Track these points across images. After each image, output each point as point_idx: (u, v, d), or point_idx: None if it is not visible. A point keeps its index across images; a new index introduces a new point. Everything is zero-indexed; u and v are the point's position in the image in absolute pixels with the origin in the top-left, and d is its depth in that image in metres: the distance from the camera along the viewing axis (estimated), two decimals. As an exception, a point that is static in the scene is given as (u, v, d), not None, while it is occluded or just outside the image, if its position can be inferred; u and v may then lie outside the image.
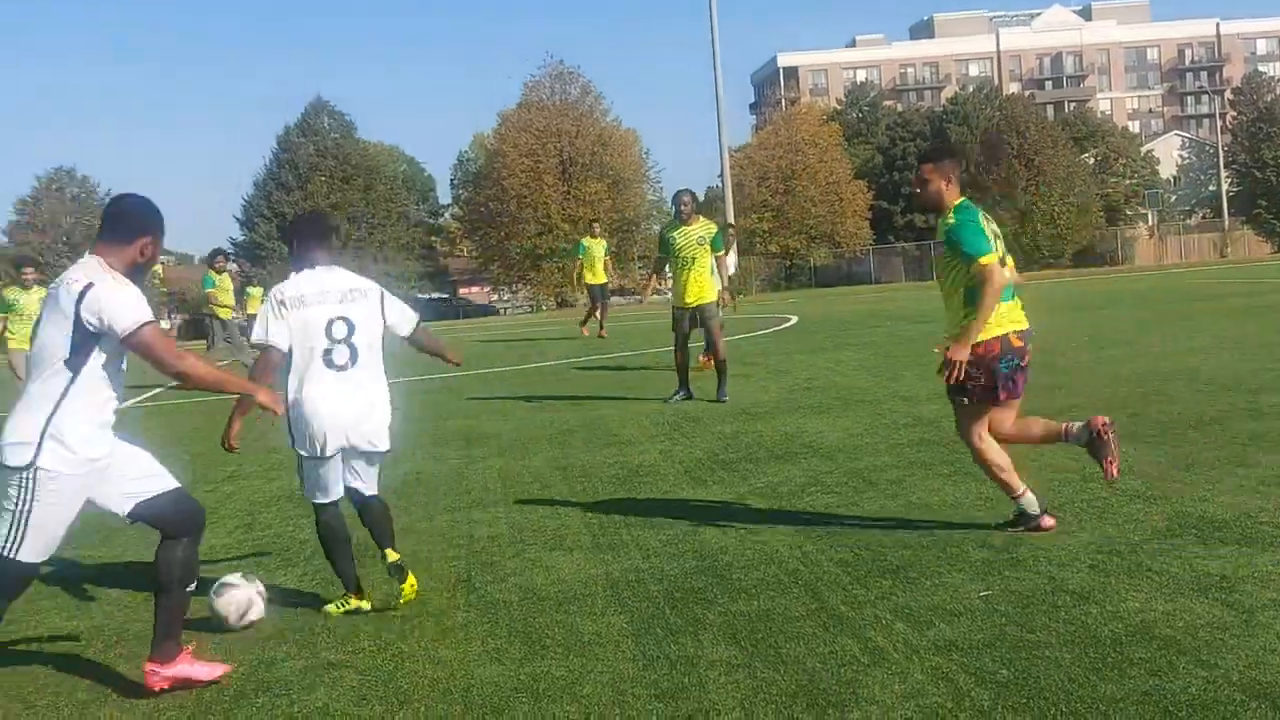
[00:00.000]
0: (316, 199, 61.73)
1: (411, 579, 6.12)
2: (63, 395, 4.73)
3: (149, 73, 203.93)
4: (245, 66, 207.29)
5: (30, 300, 14.88)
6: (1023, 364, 6.58)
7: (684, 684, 4.69)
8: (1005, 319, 6.54)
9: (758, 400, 13.10)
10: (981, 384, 6.53)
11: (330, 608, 6.15)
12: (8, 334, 14.86)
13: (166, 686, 4.94)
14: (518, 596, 6.13)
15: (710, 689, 4.62)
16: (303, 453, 6.13)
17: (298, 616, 6.06)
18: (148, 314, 4.77)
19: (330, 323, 6.06)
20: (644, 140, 79.41)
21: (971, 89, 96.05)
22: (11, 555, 4.70)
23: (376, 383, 6.24)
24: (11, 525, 4.68)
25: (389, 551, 6.18)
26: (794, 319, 29.46)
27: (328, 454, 6.09)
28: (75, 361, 4.77)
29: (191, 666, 5.03)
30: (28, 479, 4.67)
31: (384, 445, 6.32)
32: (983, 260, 6.41)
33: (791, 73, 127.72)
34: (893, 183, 79.01)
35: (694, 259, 13.37)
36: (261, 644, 5.62)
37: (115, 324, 4.73)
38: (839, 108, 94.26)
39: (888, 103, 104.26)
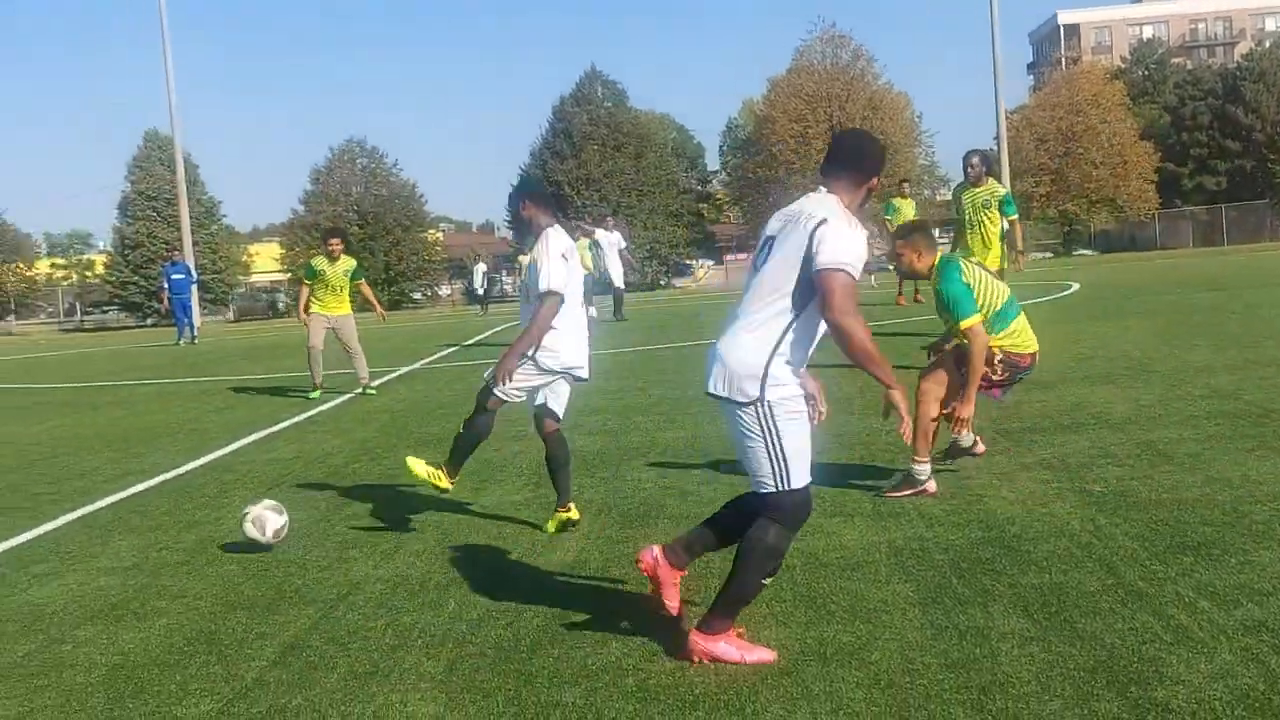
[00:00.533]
0: (589, 167, 62.92)
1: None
2: (785, 330, 4.67)
3: (432, 46, 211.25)
4: (525, 36, 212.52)
5: (335, 271, 15.43)
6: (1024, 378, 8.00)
7: (975, 655, 4.62)
8: (1029, 337, 7.83)
9: (1040, 368, 12.70)
10: (995, 378, 7.64)
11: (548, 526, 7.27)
12: (313, 300, 15.54)
13: (705, 660, 4.74)
14: (800, 561, 6.14)
15: (1003, 661, 4.54)
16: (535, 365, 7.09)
17: (587, 572, 6.23)
18: (857, 261, 4.62)
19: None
20: (916, 103, 77.82)
21: (1269, 44, 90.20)
22: (787, 488, 4.73)
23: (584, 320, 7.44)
24: (771, 460, 4.73)
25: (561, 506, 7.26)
26: (1075, 285, 28.42)
27: (555, 370, 7.13)
28: (800, 296, 4.66)
29: (732, 648, 4.79)
30: (762, 413, 4.70)
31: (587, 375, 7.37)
32: (963, 325, 7.33)
33: (1072, 30, 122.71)
34: (1180, 144, 75.17)
35: (981, 222, 13.15)
36: (554, 598, 5.80)
37: (821, 257, 4.58)
38: (1123, 66, 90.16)
39: (1176, 60, 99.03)
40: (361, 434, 11.96)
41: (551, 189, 61.90)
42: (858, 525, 6.78)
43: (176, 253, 42.69)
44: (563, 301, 7.02)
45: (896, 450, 8.84)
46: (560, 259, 7.05)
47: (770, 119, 68.32)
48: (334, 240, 15.67)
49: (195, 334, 35.20)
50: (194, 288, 37.64)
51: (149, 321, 56.59)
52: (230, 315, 64.06)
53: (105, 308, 71.66)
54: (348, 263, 15.71)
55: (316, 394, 15.41)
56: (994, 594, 5.35)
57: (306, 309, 15.65)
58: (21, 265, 64.50)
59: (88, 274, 78.76)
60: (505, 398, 7.15)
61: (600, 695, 4.48)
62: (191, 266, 40.23)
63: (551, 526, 7.24)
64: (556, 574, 6.25)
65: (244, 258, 68.97)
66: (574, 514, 7.24)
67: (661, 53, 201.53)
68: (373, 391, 15.53)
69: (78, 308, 77.34)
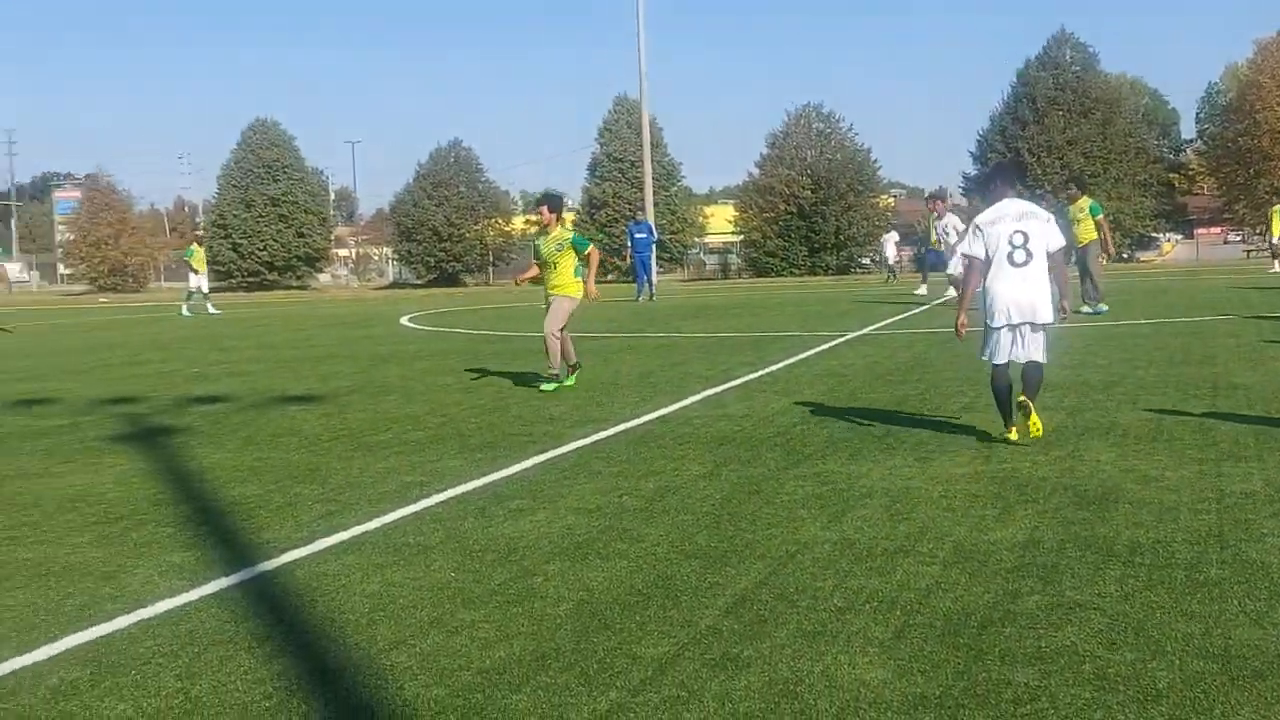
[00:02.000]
0: (1052, 134, 60.52)
1: (1035, 420, 8.83)
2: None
3: (893, 13, 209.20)
4: (988, 2, 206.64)
5: (546, 245, 13.61)
6: None
7: None
8: None
9: None
10: None
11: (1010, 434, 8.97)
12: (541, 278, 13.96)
13: None
14: (1278, 559, 5.72)
15: None
16: (990, 323, 9.04)
17: (1040, 553, 6.06)
18: None
19: (1011, 234, 8.95)
20: None
21: None
22: None
23: (1042, 276, 8.95)
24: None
25: (1022, 396, 8.88)
26: None
27: (1001, 325, 8.96)
28: None
29: None
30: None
31: (1046, 318, 8.95)
32: None
33: None
34: None
35: None
36: (1004, 576, 5.68)
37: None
38: None
39: None
40: (809, 395, 12.10)
41: (1010, 156, 60.10)
42: (1346, 527, 6.22)
43: (640, 212, 44.55)
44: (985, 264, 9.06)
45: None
46: (974, 230, 9.17)
47: (1256, 84, 63.31)
48: (540, 208, 13.81)
49: (654, 291, 36.65)
50: (654, 246, 39.18)
51: (609, 277, 59.45)
52: (684, 274, 66.25)
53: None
54: (561, 234, 13.67)
55: (551, 386, 13.32)
56: None
57: (526, 281, 14.39)
58: (500, 221, 69.28)
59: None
60: (990, 358, 9.11)
61: (1054, 679, 4.35)
62: (653, 226, 41.84)
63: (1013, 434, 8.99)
64: (1008, 550, 6.11)
65: (699, 219, 71.03)
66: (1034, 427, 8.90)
67: (1137, 14, 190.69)
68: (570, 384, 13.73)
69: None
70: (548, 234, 13.65)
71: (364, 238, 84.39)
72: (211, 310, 37.40)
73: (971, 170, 65.86)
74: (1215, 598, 5.21)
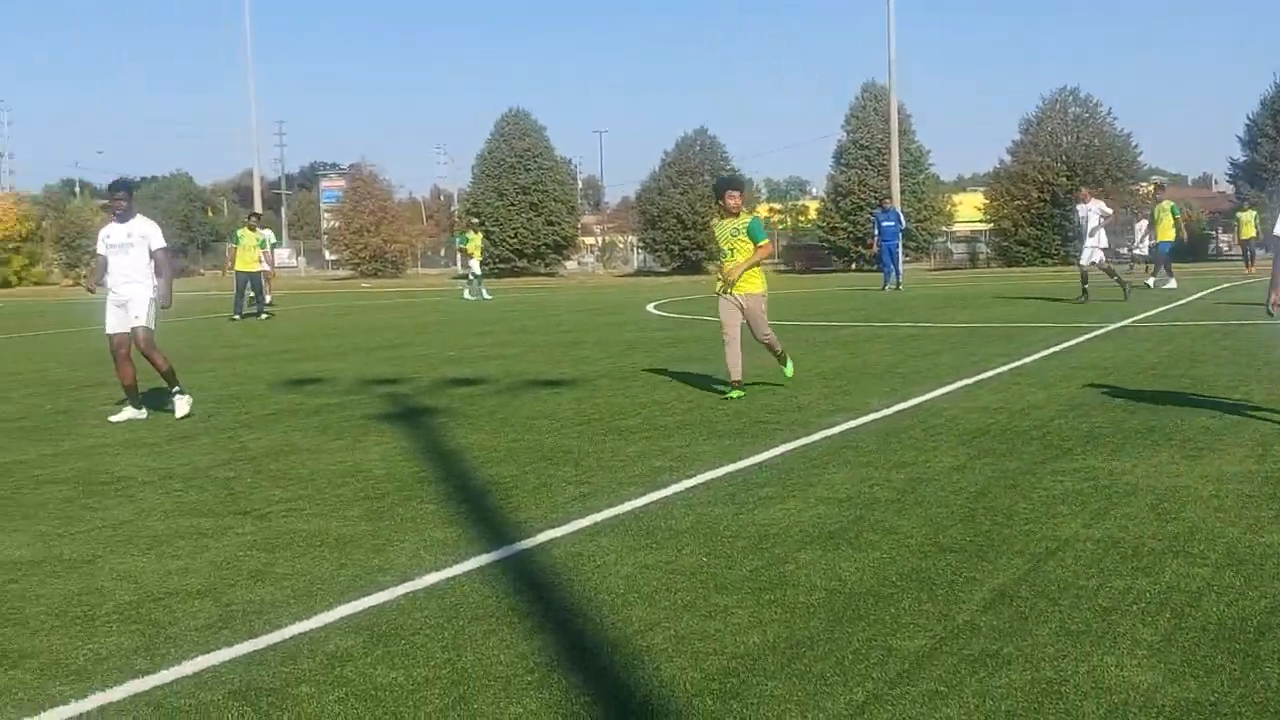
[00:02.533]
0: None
1: None
2: None
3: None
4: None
5: (722, 232, 12.35)
6: None
7: None
8: None
9: None
10: None
11: None
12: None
13: None
14: None
15: None
16: None
17: (1322, 558, 5.73)
18: None
19: None
20: None
21: None
22: None
23: None
24: None
25: None
26: None
27: None
28: None
29: None
30: None
31: None
32: None
33: None
34: None
35: None
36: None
37: None
38: None
39: None
40: (1067, 389, 11.73)
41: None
42: None
43: (888, 200, 43.94)
44: None
45: None
46: None
47: None
48: (731, 193, 12.21)
49: (900, 280, 36.12)
50: (901, 235, 38.58)
51: (852, 266, 58.84)
52: (930, 263, 65.02)
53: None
54: (740, 220, 12.21)
55: (737, 394, 11.94)
56: None
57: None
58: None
59: (801, 219, 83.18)
60: None
61: (1342, 692, 4.11)
62: (900, 214, 41.20)
63: None
64: (1254, 552, 5.80)
65: (947, 207, 69.59)
66: None
67: None
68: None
69: (789, 250, 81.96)
70: (732, 219, 12.17)
71: (609, 226, 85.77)
72: (486, 295, 38.45)
73: (1240, 156, 62.64)
74: None
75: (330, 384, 14.34)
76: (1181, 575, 5.55)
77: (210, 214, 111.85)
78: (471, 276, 39.05)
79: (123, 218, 11.76)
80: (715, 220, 12.56)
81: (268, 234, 32.65)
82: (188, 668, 4.76)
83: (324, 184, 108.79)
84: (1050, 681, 4.33)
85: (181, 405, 11.83)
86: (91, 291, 12.29)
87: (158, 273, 11.77)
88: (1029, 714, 4.05)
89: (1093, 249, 25.22)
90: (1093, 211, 25.15)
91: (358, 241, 73.83)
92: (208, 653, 4.92)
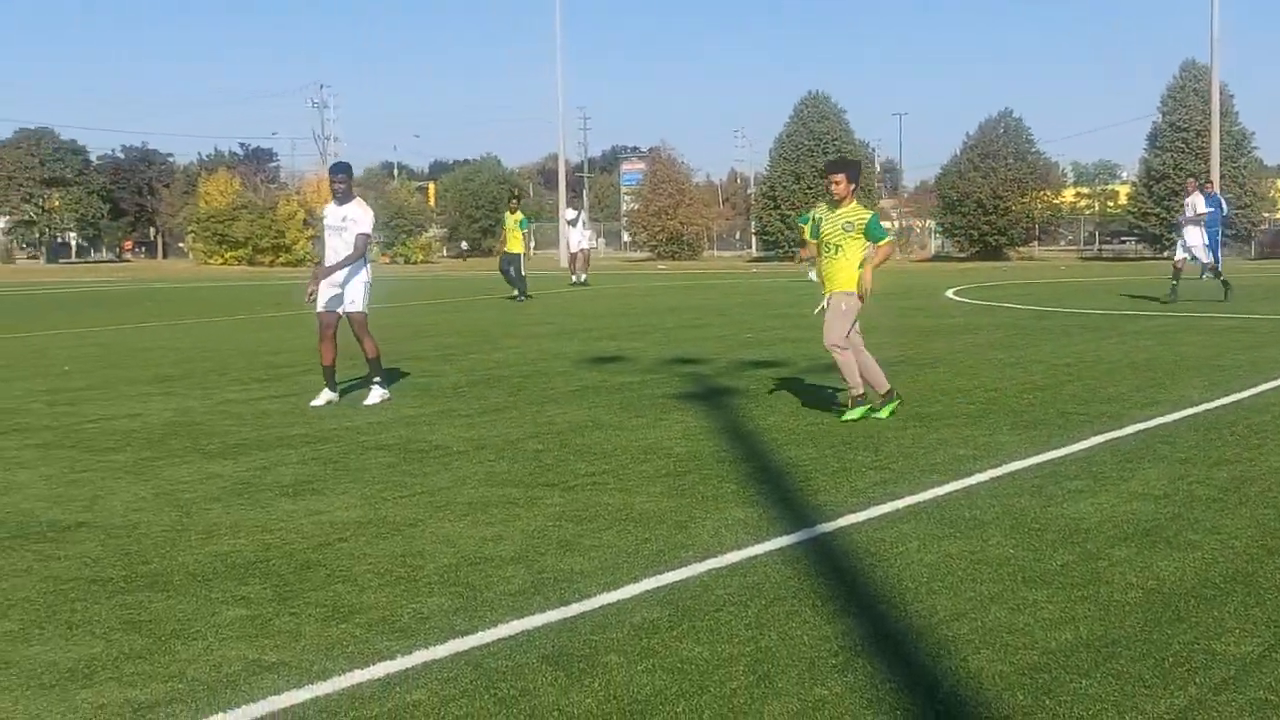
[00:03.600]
0: None
1: None
2: None
3: None
4: None
5: (829, 224, 10.64)
6: None
7: None
8: None
9: None
10: None
11: None
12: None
13: None
14: None
15: None
16: None
17: None
18: None
19: None
20: None
21: None
22: None
23: None
24: None
25: None
26: None
27: None
28: None
29: None
30: None
31: None
32: None
33: None
34: None
35: None
36: None
37: None
38: None
39: None
40: None
41: None
42: None
43: (1210, 184, 41.68)
44: None
45: None
46: None
47: None
48: (836, 175, 10.44)
49: (1220, 269, 34.19)
50: (1221, 221, 36.50)
51: (1164, 255, 56.11)
52: (1252, 252, 61.33)
53: (1124, 238, 72.22)
54: (856, 212, 10.33)
55: (856, 413, 10.06)
56: None
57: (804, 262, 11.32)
58: (1049, 194, 67.11)
59: (1109, 204, 79.85)
60: None
61: None
62: (1221, 199, 39.00)
63: None
64: None
65: (1271, 193, 65.52)
66: None
67: None
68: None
69: (1096, 236, 78.77)
70: (837, 208, 10.37)
71: (907, 210, 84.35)
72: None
73: None
74: None
75: (631, 362, 14.65)
76: None
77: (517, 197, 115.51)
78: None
79: (341, 199, 11.65)
80: (821, 207, 10.69)
81: (521, 217, 32.40)
82: (503, 630, 4.96)
83: (624, 167, 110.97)
84: None
85: (374, 396, 11.65)
86: (316, 272, 11.91)
87: (361, 256, 11.62)
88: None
89: (1188, 244, 23.79)
90: (1193, 202, 23.76)
91: (655, 224, 75.05)
92: (521, 617, 5.11)
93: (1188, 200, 24.69)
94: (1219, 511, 6.65)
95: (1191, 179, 28.34)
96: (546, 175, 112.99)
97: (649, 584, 5.58)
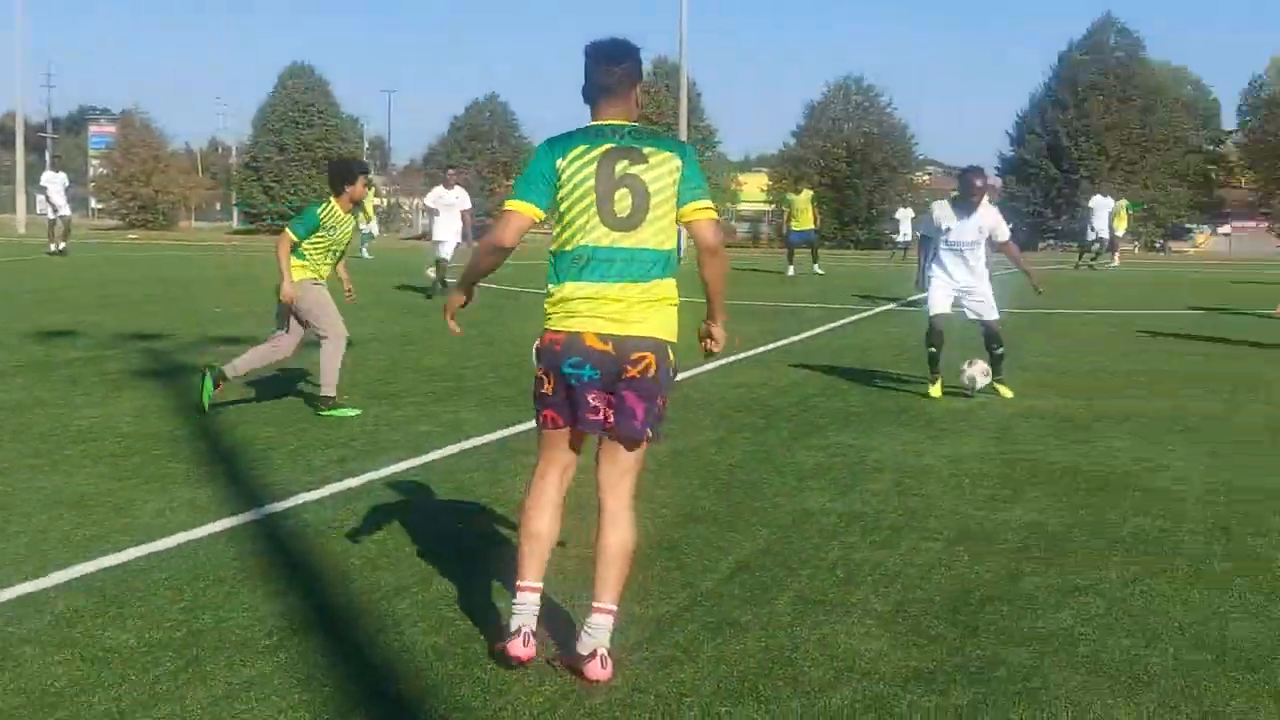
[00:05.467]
0: (1091, 119, 59.97)
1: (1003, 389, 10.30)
2: None
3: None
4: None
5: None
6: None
7: None
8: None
9: None
10: None
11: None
12: None
13: None
14: (1282, 555, 5.73)
15: None
16: None
17: (1045, 536, 6.06)
18: None
19: None
20: None
21: None
22: None
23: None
24: None
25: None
26: None
27: None
28: None
29: None
30: None
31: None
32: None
33: None
34: None
35: None
36: (1007, 556, 5.69)
37: None
38: None
39: None
40: (828, 368, 12.09)
41: (1047, 139, 59.68)
42: (1355, 526, 6.22)
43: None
44: None
45: None
46: None
47: (1301, 77, 62.64)
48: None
49: (681, 255, 36.45)
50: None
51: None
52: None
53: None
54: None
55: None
56: None
57: None
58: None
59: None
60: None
61: (1048, 660, 4.37)
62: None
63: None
64: (1013, 531, 6.12)
65: (733, 186, 70.77)
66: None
67: (1184, 0, 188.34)
68: None
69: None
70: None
71: (397, 188, 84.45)
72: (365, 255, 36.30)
73: (1009, 152, 65.41)
74: (1216, 589, 5.22)
75: (86, 337, 13.75)
76: (916, 549, 5.81)
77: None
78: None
79: None
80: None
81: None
82: (-99, 628, 4.52)
83: (92, 129, 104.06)
84: (782, 648, 4.48)
85: None
86: None
87: None
88: (759, 679, 4.18)
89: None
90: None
91: (126, 191, 70.90)
92: (-75, 613, 4.69)
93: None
94: (653, 482, 7.08)
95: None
96: (3, 134, 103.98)
97: (79, 570, 5.26)
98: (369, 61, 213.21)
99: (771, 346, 13.94)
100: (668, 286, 4.35)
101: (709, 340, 4.58)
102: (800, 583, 5.28)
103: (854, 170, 60.71)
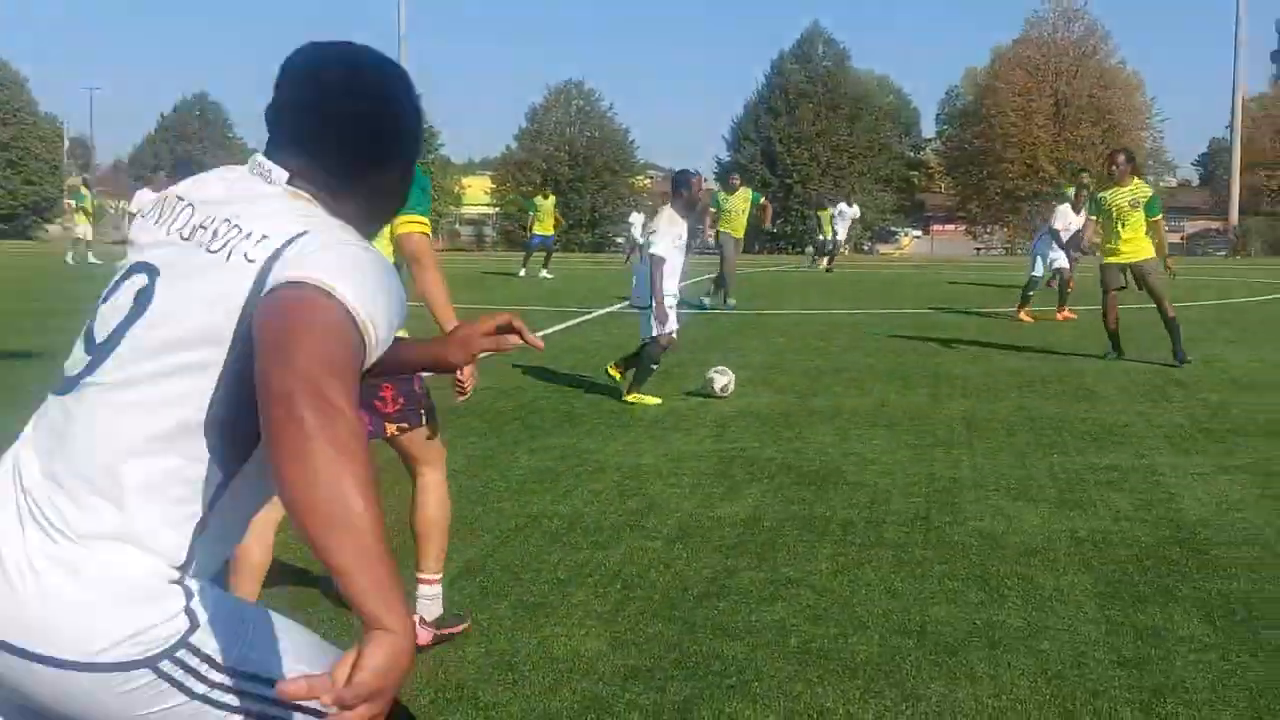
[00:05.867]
0: (802, 125, 62.27)
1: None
2: None
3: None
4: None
5: None
6: None
7: (1149, 655, 4.50)
8: None
9: (1249, 370, 12.23)
10: None
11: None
12: None
13: None
14: (977, 541, 6.06)
15: (1178, 664, 4.41)
16: None
17: (760, 530, 6.26)
18: None
19: None
20: (1149, 83, 74.74)
21: None
22: None
23: None
24: None
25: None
26: (1299, 287, 27.10)
27: None
28: None
29: None
30: None
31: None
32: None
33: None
34: None
35: (1127, 221, 12.87)
36: (724, 552, 5.85)
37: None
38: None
39: None
40: (552, 370, 12.16)
41: (761, 145, 61.72)
42: (1040, 511, 6.64)
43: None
44: None
45: (1089, 440, 8.63)
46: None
47: (992, 89, 66.59)
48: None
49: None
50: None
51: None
52: (440, 244, 65.68)
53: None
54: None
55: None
56: (1176, 595, 5.20)
57: None
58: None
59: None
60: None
61: (761, 652, 4.51)
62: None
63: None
64: (729, 527, 6.29)
65: (455, 189, 70.47)
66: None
67: (887, 12, 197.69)
68: None
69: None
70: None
71: (101, 190, 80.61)
72: (93, 260, 34.08)
73: (725, 156, 67.28)
74: (917, 576, 5.49)
75: None
76: (636, 548, 5.90)
77: None
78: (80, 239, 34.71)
79: None
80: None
81: None
82: None
83: None
84: (503, 653, 4.49)
85: None
86: None
87: None
88: (479, 685, 4.18)
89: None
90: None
91: None
92: None
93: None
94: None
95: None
96: None
97: None
98: (69, 59, 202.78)
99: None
100: None
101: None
102: (522, 586, 5.30)
103: (576, 174, 61.33)
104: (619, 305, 20.98)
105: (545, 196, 31.48)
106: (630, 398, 10.28)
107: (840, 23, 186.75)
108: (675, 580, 5.40)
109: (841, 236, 35.76)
